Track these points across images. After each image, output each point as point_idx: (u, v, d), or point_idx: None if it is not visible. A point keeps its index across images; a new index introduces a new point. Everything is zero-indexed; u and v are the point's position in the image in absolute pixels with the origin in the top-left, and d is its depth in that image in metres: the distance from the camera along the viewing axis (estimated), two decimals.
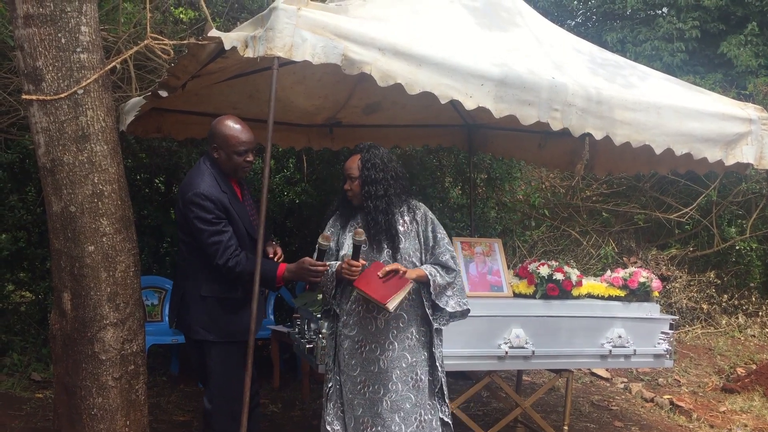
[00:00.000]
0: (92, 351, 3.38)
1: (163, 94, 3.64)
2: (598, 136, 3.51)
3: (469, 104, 3.20)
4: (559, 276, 4.06)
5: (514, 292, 4.14)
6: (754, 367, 6.80)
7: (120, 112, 4.35)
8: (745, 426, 5.36)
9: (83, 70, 3.26)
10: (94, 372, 3.40)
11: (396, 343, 3.19)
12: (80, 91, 3.25)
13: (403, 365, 3.20)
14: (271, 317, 6.25)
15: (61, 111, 3.24)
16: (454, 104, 4.73)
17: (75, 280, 3.36)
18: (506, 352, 3.86)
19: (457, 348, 3.81)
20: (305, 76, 4.47)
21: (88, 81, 3.26)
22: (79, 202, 3.31)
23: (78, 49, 3.25)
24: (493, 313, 3.91)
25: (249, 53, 2.90)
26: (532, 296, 4.08)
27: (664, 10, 13.67)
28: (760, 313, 8.32)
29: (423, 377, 3.23)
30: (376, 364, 3.19)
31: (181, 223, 3.36)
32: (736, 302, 8.40)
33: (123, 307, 3.42)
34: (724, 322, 8.19)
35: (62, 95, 3.22)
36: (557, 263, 4.20)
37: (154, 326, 5.41)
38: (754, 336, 7.97)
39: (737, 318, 8.27)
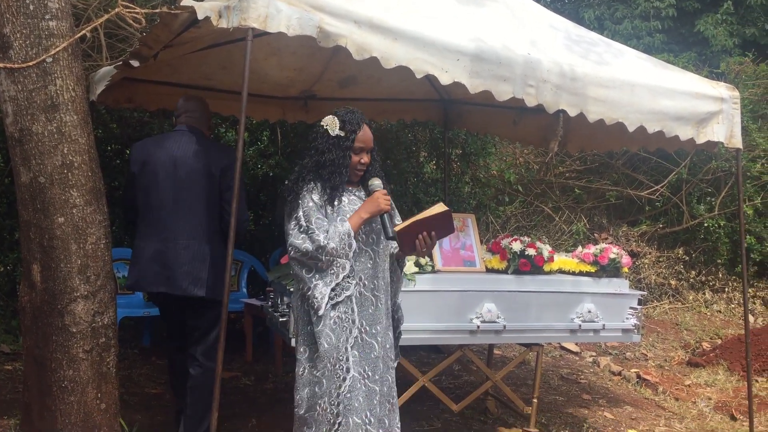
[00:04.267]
0: (62, 323, 3.35)
1: (135, 63, 3.58)
2: (572, 113, 3.53)
3: (445, 79, 3.20)
4: (531, 251, 4.10)
5: (486, 267, 4.18)
6: (719, 341, 6.96)
7: (90, 81, 4.27)
8: (709, 399, 5.50)
9: (52, 37, 3.18)
10: (64, 344, 3.37)
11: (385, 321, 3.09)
12: (49, 60, 3.18)
13: (387, 346, 3.10)
14: (244, 290, 6.24)
15: (30, 80, 3.17)
16: (430, 79, 4.70)
17: (44, 251, 3.32)
18: (478, 327, 3.90)
19: (430, 322, 3.85)
20: (280, 47, 4.42)
21: (57, 49, 3.19)
22: (48, 172, 3.26)
23: (47, 16, 3.17)
24: (466, 288, 3.94)
25: (223, 24, 2.86)
26: (505, 271, 4.12)
27: None
28: (727, 290, 8.49)
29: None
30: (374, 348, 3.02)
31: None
32: (704, 278, 8.57)
33: (94, 280, 3.39)
34: (691, 297, 8.36)
35: (30, 63, 3.14)
36: (530, 239, 4.24)
37: (125, 299, 5.38)
38: (720, 312, 8.15)
39: (704, 294, 8.44)
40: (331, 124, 3.01)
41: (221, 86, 4.92)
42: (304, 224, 2.91)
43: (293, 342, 3.29)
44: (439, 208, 2.99)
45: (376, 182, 3.06)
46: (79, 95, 3.32)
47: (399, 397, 3.96)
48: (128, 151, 6.43)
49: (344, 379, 2.89)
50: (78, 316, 3.36)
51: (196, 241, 3.62)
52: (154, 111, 5.32)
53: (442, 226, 3.01)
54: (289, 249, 2.93)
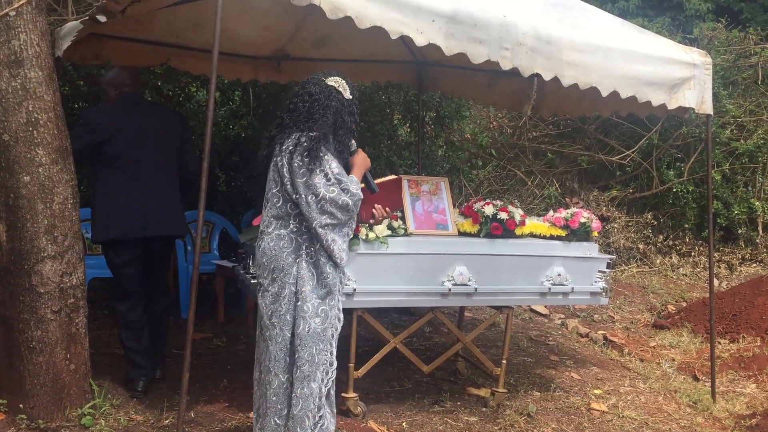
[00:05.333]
0: (30, 284, 3.31)
1: (102, 19, 3.48)
2: (547, 77, 3.53)
3: (420, 40, 3.16)
4: (503, 215, 4.12)
5: (459, 231, 4.19)
6: (684, 305, 7.11)
7: (56, 36, 4.15)
8: (673, 360, 5.64)
9: None
10: (32, 305, 3.34)
11: None
12: (12, 13, 3.09)
13: None
14: (216, 252, 6.21)
15: None
16: (405, 41, 4.66)
17: (10, 211, 3.26)
18: (449, 289, 3.93)
19: (402, 285, 3.87)
20: (251, 5, 4.33)
21: (21, 2, 3.09)
22: (13, 130, 3.19)
23: None
24: (438, 251, 3.96)
25: None
26: (477, 235, 4.14)
27: None
28: (693, 254, 8.65)
29: None
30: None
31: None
32: (671, 243, 8.71)
33: (61, 240, 3.35)
34: (658, 261, 8.50)
35: None
36: (502, 203, 4.26)
37: (94, 259, 5.32)
38: (686, 275, 8.31)
39: (671, 258, 8.60)
40: (342, 86, 3.09)
41: (191, 44, 4.82)
42: (334, 178, 2.95)
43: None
44: (392, 177, 3.41)
45: (352, 141, 3.15)
46: (43, 50, 3.23)
47: (371, 357, 4.02)
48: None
49: (336, 329, 3.14)
50: (46, 276, 3.32)
51: (170, 190, 4.14)
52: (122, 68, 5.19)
53: (395, 198, 3.43)
54: (321, 202, 2.91)
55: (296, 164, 2.92)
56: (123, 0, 3.27)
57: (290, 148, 2.95)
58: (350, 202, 2.96)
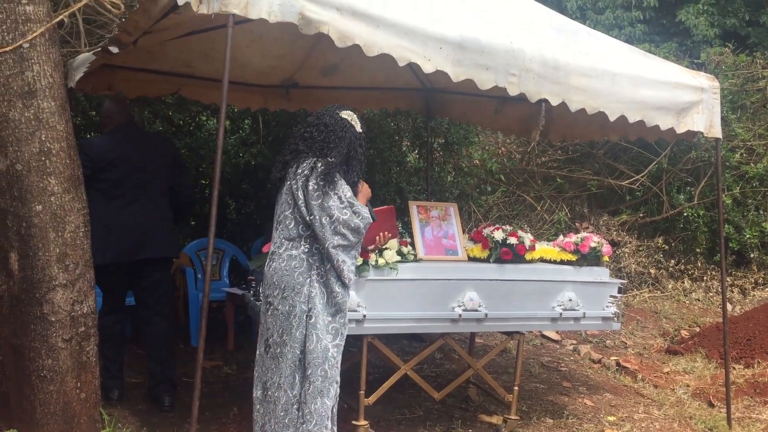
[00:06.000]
0: (41, 312, 3.32)
1: (114, 50, 3.53)
2: (554, 102, 3.54)
3: (428, 67, 3.19)
4: (512, 240, 4.11)
5: (468, 256, 4.18)
6: (697, 330, 7.04)
7: (69, 68, 4.21)
8: (687, 386, 5.57)
9: (29, 23, 3.13)
10: (43, 333, 3.34)
11: None
12: (26, 45, 3.13)
13: None
14: (226, 279, 6.22)
15: (6, 65, 3.12)
16: (412, 68, 4.69)
17: (22, 240, 3.28)
18: (460, 315, 3.92)
19: (412, 311, 3.85)
20: (261, 34, 4.39)
21: (35, 34, 3.14)
22: (25, 160, 3.22)
23: (24, 1, 3.12)
24: (448, 277, 3.95)
25: (203, 9, 2.83)
26: (486, 260, 4.13)
27: None
28: (705, 278, 8.58)
29: None
30: None
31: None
32: (683, 267, 8.65)
33: (73, 268, 3.36)
34: (670, 286, 8.44)
35: (7, 49, 3.09)
36: (511, 228, 4.25)
37: None
38: (699, 300, 8.24)
39: (683, 282, 8.53)
40: (354, 119, 3.24)
41: (202, 74, 4.88)
42: (347, 201, 3.08)
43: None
44: (386, 207, 3.54)
45: None
46: (56, 81, 3.27)
47: (382, 384, 3.99)
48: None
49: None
50: (57, 305, 3.33)
51: (160, 214, 4.33)
52: (134, 98, 5.26)
53: (391, 226, 3.51)
54: (334, 224, 3.04)
55: (312, 187, 3.05)
56: (135, 31, 3.32)
57: (305, 172, 3.09)
58: (361, 225, 3.09)
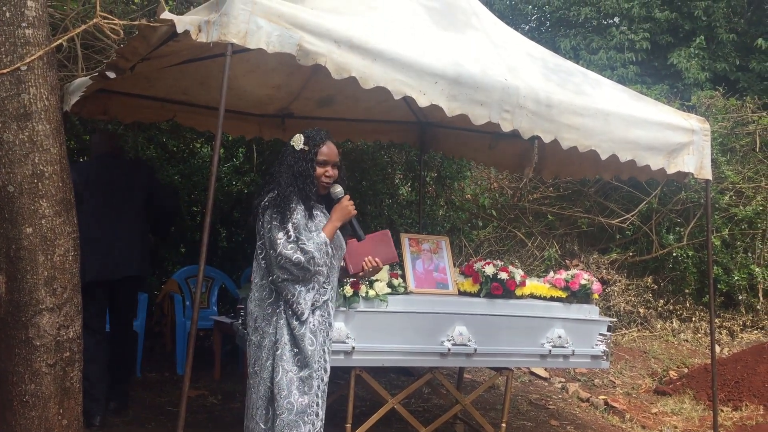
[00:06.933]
0: (26, 336, 3.28)
1: (111, 75, 3.55)
2: (547, 139, 3.57)
3: (423, 101, 3.22)
4: (503, 275, 4.11)
5: (459, 290, 4.18)
6: (685, 370, 7.02)
7: (65, 91, 4.22)
8: (675, 427, 5.53)
9: (28, 46, 3.15)
10: (27, 358, 3.29)
11: None
12: (23, 68, 3.14)
13: None
14: (214, 308, 6.18)
15: (3, 87, 3.12)
16: (407, 101, 4.74)
17: (11, 262, 3.25)
18: (449, 349, 3.90)
19: (401, 344, 3.83)
20: (259, 64, 4.42)
21: (33, 58, 3.15)
22: (18, 182, 3.20)
23: (23, 24, 3.14)
24: (438, 310, 3.94)
25: (202, 38, 2.85)
26: (477, 294, 4.12)
27: (616, 19, 14.00)
28: (694, 319, 8.59)
29: None
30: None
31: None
32: (672, 307, 8.66)
33: (60, 292, 3.33)
34: (659, 326, 8.43)
35: (4, 71, 3.10)
36: (502, 263, 4.26)
37: None
38: (687, 341, 8.23)
39: (672, 323, 8.53)
40: (297, 140, 3.19)
41: (198, 101, 4.90)
42: (294, 235, 3.02)
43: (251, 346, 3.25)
44: (379, 232, 3.48)
45: (338, 189, 3.22)
46: (52, 104, 3.28)
47: (369, 419, 3.95)
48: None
49: (322, 380, 3.13)
50: (42, 329, 3.29)
51: (136, 235, 4.60)
52: (128, 123, 5.27)
53: (385, 251, 3.39)
54: (278, 258, 3.00)
55: (266, 218, 3.09)
56: (133, 57, 3.34)
57: (265, 203, 3.12)
58: (303, 260, 3.00)
